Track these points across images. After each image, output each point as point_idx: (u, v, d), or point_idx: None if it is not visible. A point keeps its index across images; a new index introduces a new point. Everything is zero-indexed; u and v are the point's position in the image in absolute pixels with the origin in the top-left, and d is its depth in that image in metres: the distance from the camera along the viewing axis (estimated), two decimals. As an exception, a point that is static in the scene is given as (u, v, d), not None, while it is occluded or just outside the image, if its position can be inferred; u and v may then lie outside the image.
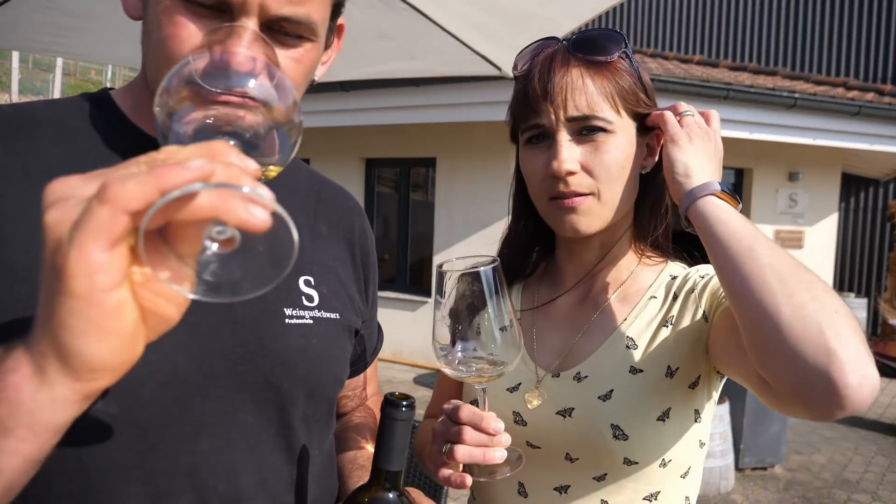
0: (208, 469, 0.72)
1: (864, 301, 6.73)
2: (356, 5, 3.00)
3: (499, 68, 3.30)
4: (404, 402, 0.65)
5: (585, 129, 0.87)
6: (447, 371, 0.78)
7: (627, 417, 0.85)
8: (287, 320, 0.78)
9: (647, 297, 0.94)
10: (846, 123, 6.37)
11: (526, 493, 0.92)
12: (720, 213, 0.78)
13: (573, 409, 0.88)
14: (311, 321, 0.80)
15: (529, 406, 0.92)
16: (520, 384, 0.94)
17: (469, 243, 6.72)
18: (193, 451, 0.71)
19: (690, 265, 0.99)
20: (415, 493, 0.79)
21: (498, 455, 0.75)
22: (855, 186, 8.90)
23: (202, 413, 0.71)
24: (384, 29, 3.13)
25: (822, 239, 7.77)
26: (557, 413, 0.89)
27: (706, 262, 0.94)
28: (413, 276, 7.52)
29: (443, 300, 0.76)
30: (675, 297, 0.92)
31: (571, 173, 0.86)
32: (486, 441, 0.76)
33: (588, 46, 0.88)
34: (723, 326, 0.84)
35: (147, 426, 0.68)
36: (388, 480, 0.67)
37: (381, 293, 7.52)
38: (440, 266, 0.76)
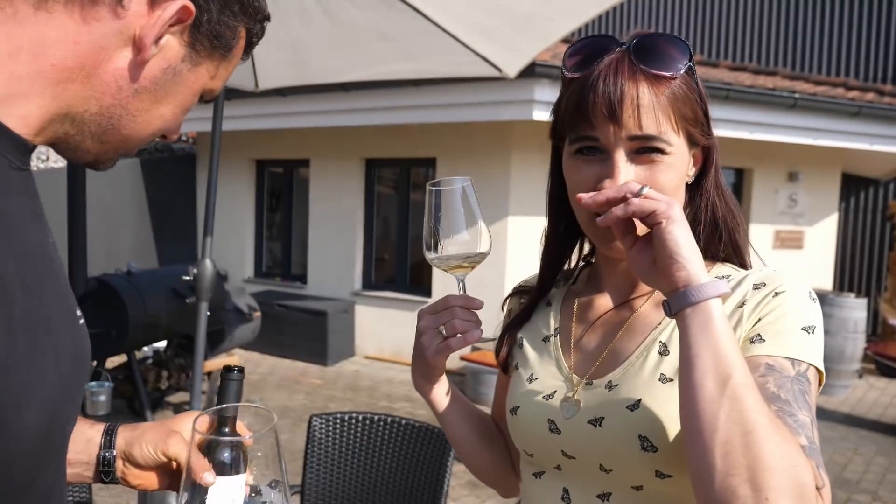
0: None
1: (864, 301, 6.72)
2: (356, 6, 3.00)
3: (499, 69, 3.30)
4: (236, 368, 0.86)
5: (644, 149, 0.82)
6: (437, 266, 0.92)
7: (656, 428, 0.81)
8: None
9: None
10: (846, 123, 6.38)
11: (570, 498, 0.91)
12: (722, 327, 0.71)
13: (603, 418, 0.86)
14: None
15: (563, 416, 0.90)
16: (555, 392, 0.93)
17: (469, 243, 6.71)
18: None
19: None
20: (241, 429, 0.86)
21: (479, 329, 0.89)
22: (855, 186, 8.91)
23: (48, 474, 0.62)
24: (384, 30, 3.13)
25: (822, 239, 7.77)
26: (589, 422, 0.87)
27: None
28: (413, 277, 7.52)
29: (427, 211, 0.91)
30: None
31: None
32: (473, 317, 0.89)
33: (654, 57, 0.81)
34: None
35: None
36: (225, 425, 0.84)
37: (381, 293, 7.55)
38: (428, 184, 0.92)
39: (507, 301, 1.13)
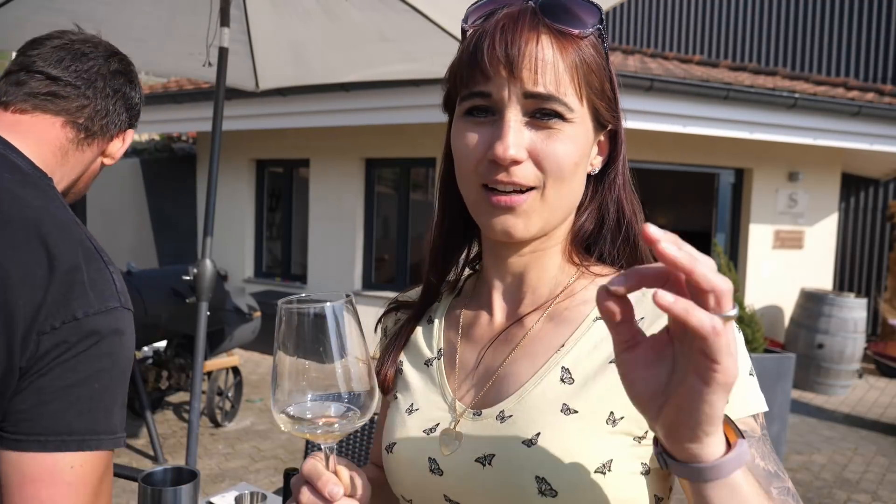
0: None
1: (864, 301, 6.71)
2: (356, 6, 3.00)
3: (499, 69, 3.30)
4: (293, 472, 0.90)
5: (541, 112, 0.70)
6: (285, 427, 0.64)
7: (556, 468, 0.68)
8: None
9: (592, 319, 0.76)
10: (846, 123, 6.38)
11: None
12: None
13: (493, 455, 0.72)
14: None
15: (444, 452, 0.76)
16: (437, 424, 0.78)
17: (469, 243, 6.72)
18: None
19: None
20: None
21: None
22: (855, 186, 8.90)
23: None
24: (384, 30, 3.14)
25: (822, 239, 7.77)
26: (476, 460, 0.73)
27: None
28: (413, 277, 7.52)
29: (280, 343, 0.62)
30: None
31: (517, 162, 0.70)
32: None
33: (560, 13, 0.71)
34: None
35: None
36: None
37: (381, 293, 7.54)
38: (281, 302, 0.63)
39: (382, 319, 0.95)
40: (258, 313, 5.46)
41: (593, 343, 0.74)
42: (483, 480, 0.72)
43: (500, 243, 0.79)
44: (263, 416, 5.36)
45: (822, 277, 7.81)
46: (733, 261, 7.27)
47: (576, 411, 0.70)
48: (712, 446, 0.52)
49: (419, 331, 0.89)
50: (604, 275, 0.80)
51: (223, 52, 2.81)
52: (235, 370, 5.26)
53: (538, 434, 0.70)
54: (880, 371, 7.47)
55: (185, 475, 1.44)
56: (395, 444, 0.80)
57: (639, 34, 10.77)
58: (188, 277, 2.91)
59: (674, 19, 10.49)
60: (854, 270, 9.04)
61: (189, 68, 3.72)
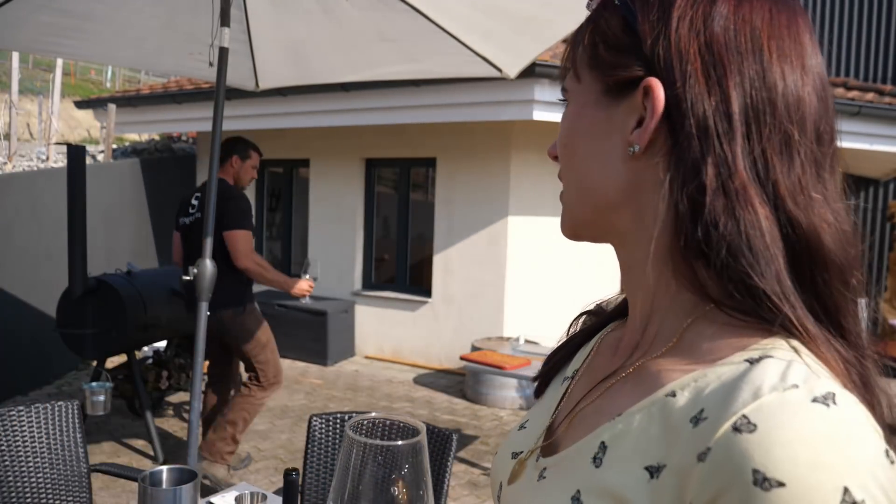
0: None
1: (863, 301, 6.72)
2: (356, 6, 3.00)
3: (499, 69, 3.30)
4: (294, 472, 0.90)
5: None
6: None
7: None
8: None
9: (665, 392, 0.52)
10: (846, 123, 6.38)
11: None
12: None
13: None
14: None
15: (506, 483, 0.70)
16: (521, 451, 0.70)
17: (469, 243, 6.72)
18: None
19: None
20: None
21: None
22: (855, 186, 8.90)
23: None
24: (384, 31, 3.14)
25: (821, 239, 7.77)
26: None
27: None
28: (413, 276, 7.52)
29: (345, 475, 0.57)
30: (697, 422, 0.47)
31: (554, 157, 0.66)
32: None
33: None
34: None
35: None
36: None
37: (381, 293, 7.54)
38: (351, 426, 0.58)
39: (575, 321, 0.81)
40: (258, 313, 5.46)
41: (644, 425, 0.52)
42: None
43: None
44: (263, 415, 5.37)
45: (822, 277, 7.81)
46: (733, 261, 7.27)
47: (581, 502, 0.54)
48: None
49: (587, 344, 0.76)
50: (741, 327, 0.52)
51: (223, 52, 2.81)
52: (235, 370, 5.25)
53: None
54: (880, 371, 7.48)
55: (185, 475, 1.44)
56: (496, 454, 0.74)
57: (639, 34, 10.78)
58: (188, 277, 2.91)
59: (674, 19, 10.50)
60: (854, 270, 9.04)
61: (189, 68, 3.73)
